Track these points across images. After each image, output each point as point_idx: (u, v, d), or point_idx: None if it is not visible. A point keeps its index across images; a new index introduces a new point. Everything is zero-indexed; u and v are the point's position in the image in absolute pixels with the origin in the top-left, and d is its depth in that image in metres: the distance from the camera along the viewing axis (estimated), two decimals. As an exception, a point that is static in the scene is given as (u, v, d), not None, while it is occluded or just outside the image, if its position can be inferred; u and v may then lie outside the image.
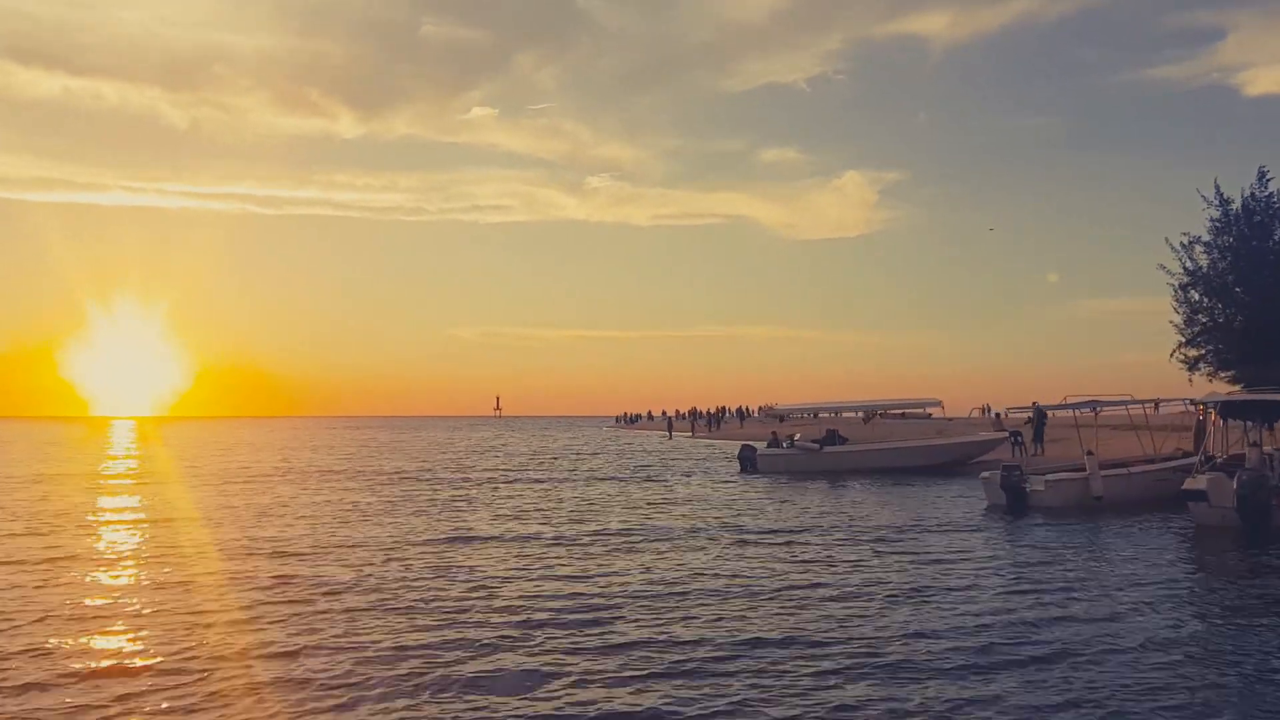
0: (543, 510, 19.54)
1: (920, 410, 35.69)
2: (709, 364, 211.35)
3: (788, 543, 14.64)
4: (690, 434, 76.97)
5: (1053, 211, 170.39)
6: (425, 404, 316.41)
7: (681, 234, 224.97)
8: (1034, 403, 30.99)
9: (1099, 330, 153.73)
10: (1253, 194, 38.46)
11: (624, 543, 14.66)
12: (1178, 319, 46.84)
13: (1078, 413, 23.13)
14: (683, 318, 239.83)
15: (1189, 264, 46.44)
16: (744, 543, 14.68)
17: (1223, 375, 46.49)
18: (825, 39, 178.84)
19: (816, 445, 31.46)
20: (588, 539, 15.08)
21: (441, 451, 47.76)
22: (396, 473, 31.39)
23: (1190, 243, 46.34)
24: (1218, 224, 45.93)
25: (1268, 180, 38.05)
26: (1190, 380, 46.46)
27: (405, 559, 13.13)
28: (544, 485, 26.25)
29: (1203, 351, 47.01)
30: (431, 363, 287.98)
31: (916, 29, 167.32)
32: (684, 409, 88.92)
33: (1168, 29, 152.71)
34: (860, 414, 36.40)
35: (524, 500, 21.73)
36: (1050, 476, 19.86)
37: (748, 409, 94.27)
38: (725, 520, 17.68)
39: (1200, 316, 46.45)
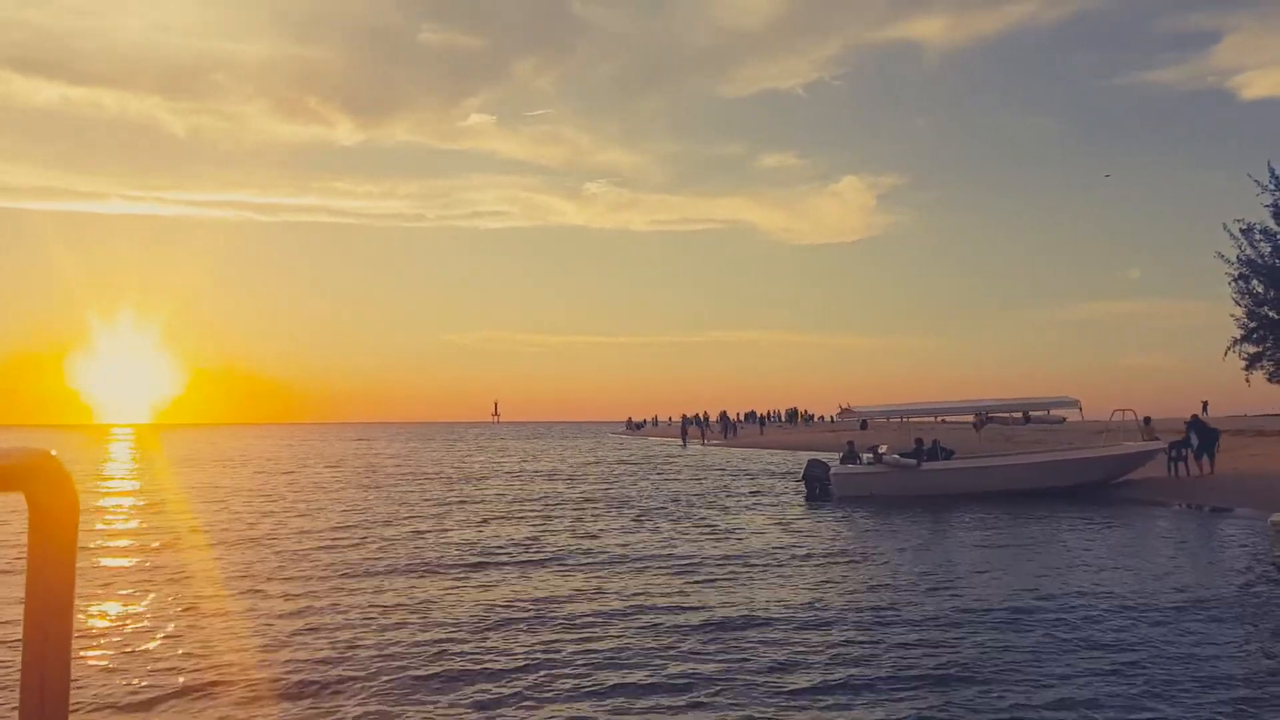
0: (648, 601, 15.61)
1: (1046, 413, 28.13)
2: (708, 369, 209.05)
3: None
4: (701, 441, 73.32)
5: (1051, 214, 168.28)
6: (424, 409, 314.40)
7: (680, 239, 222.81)
8: (1204, 403, 26.73)
9: (1100, 332, 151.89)
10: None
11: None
12: (1238, 312, 43.02)
13: None
14: (681, 323, 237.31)
15: (1249, 252, 42.51)
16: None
17: (1284, 376, 42.63)
18: (823, 45, 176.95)
19: (914, 460, 25.00)
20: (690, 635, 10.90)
21: (464, 479, 43.73)
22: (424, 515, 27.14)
23: (1248, 229, 42.49)
24: (1278, 209, 41.91)
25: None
26: (1248, 380, 42.68)
27: None
28: (610, 534, 20.17)
29: (1263, 348, 43.18)
30: (430, 368, 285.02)
31: (913, 34, 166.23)
32: (688, 413, 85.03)
33: (1164, 32, 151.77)
34: (975, 418, 29.72)
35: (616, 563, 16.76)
36: None
37: (763, 414, 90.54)
38: (855, 608, 11.73)
39: (1267, 310, 42.53)
